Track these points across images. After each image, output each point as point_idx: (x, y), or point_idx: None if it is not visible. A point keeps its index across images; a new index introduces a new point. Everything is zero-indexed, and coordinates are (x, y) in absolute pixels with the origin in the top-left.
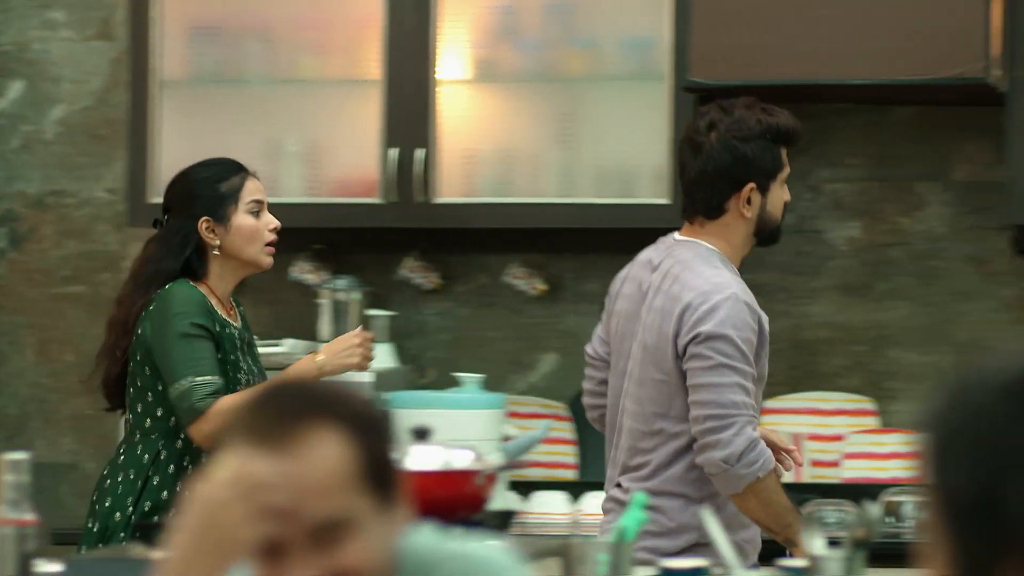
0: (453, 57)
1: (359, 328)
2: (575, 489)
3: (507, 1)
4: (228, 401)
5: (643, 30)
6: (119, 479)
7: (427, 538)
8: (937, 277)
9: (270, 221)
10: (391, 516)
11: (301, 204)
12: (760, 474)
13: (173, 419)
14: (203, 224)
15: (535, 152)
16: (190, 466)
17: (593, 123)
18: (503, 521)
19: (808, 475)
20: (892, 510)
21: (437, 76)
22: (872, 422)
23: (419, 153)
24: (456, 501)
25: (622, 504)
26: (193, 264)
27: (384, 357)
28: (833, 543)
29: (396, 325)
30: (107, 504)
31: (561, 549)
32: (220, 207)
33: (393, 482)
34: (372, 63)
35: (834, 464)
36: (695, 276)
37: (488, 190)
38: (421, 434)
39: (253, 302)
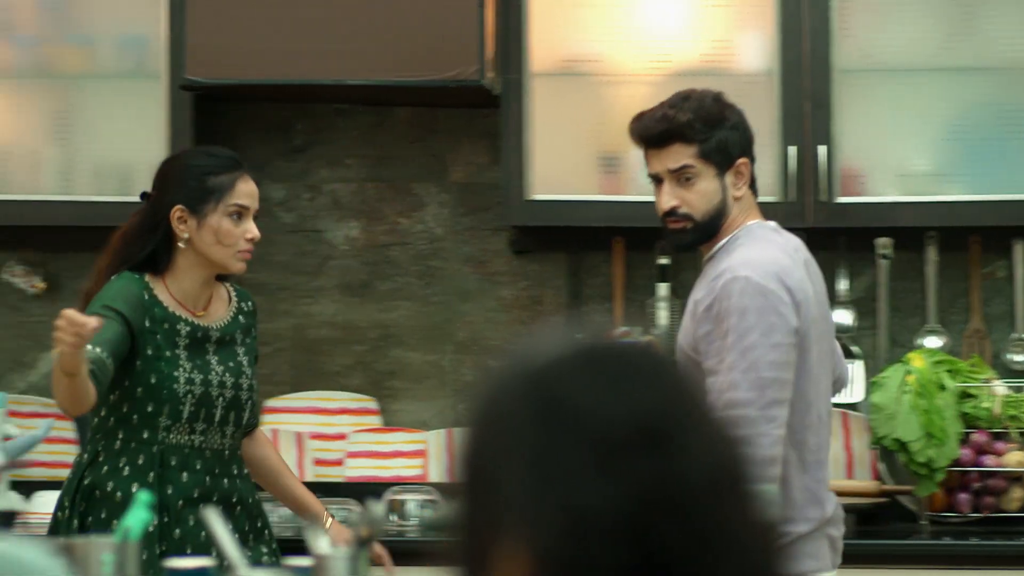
0: None
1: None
2: None
3: None
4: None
5: (139, 28)
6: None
7: None
8: (437, 277)
9: (249, 230)
10: None
11: None
12: None
13: (113, 419)
14: (176, 212)
15: (31, 149)
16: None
17: (90, 120)
18: (6, 521)
19: (312, 474)
20: (396, 508)
21: None
22: (375, 421)
23: None
24: None
25: None
26: (160, 252)
27: None
28: None
29: None
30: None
31: (65, 548)
32: (200, 201)
33: None
34: None
35: (338, 463)
36: None
37: None
38: None
39: None
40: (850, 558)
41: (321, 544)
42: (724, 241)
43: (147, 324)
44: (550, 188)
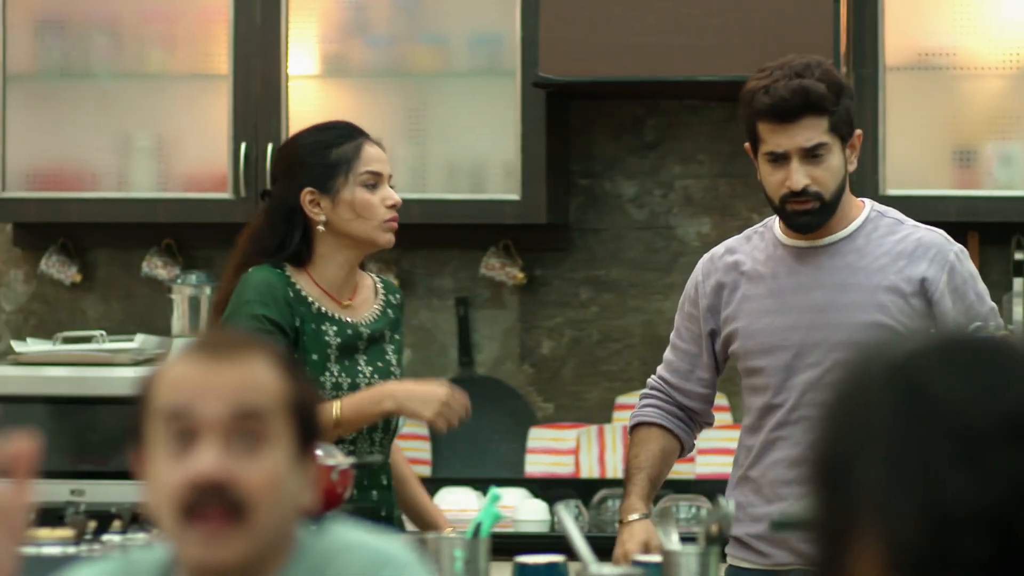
0: (302, 52)
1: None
2: (430, 485)
3: None
4: None
5: (492, 26)
6: None
7: (329, 528)
8: None
9: (388, 196)
10: (301, 472)
11: (151, 199)
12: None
13: None
14: (306, 196)
15: (385, 147)
16: None
17: (443, 118)
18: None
19: None
20: None
21: (286, 71)
22: (726, 418)
23: (269, 148)
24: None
25: None
26: (298, 244)
27: None
28: (687, 538)
29: None
30: None
31: (417, 543)
32: (328, 178)
33: (310, 446)
34: (221, 57)
35: (688, 460)
36: None
37: None
38: None
39: (104, 297)
40: None
41: (671, 540)
42: (863, 218)
43: (297, 323)
44: (904, 183)
